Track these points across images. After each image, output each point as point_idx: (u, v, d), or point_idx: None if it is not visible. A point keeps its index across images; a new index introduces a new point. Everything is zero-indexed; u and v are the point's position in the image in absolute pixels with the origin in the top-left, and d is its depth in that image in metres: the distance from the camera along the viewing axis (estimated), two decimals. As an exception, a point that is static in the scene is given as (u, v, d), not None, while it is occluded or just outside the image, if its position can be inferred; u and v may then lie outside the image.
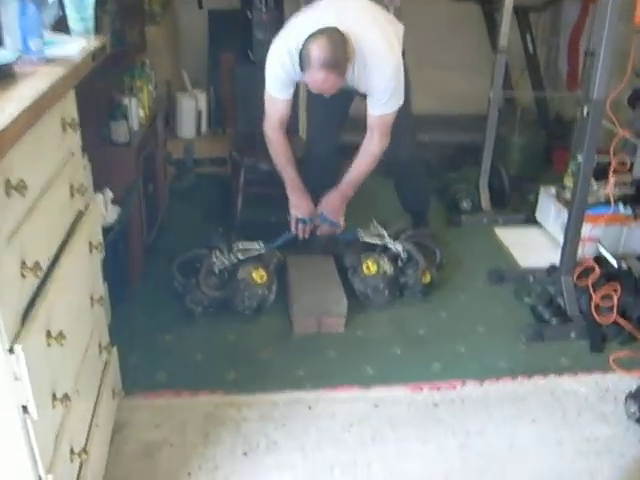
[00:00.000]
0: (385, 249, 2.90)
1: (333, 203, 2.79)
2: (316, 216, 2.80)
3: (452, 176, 3.94)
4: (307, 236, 2.83)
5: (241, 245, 2.79)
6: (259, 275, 2.64)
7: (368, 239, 2.91)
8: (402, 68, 2.60)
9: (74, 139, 1.73)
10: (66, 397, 1.47)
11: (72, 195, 1.67)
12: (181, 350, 2.49)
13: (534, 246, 3.34)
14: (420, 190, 3.26)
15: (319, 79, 2.40)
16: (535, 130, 4.30)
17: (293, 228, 2.83)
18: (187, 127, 4.16)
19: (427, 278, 2.81)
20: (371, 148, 2.74)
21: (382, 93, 2.59)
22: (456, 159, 4.36)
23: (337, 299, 2.61)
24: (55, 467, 1.41)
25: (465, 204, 3.66)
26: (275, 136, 2.76)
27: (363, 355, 2.49)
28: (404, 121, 2.74)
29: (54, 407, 1.42)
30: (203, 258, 2.72)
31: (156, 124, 3.18)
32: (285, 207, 2.89)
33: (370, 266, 2.73)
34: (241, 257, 2.72)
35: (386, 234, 2.90)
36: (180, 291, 2.72)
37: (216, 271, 2.69)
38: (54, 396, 1.42)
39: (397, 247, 2.85)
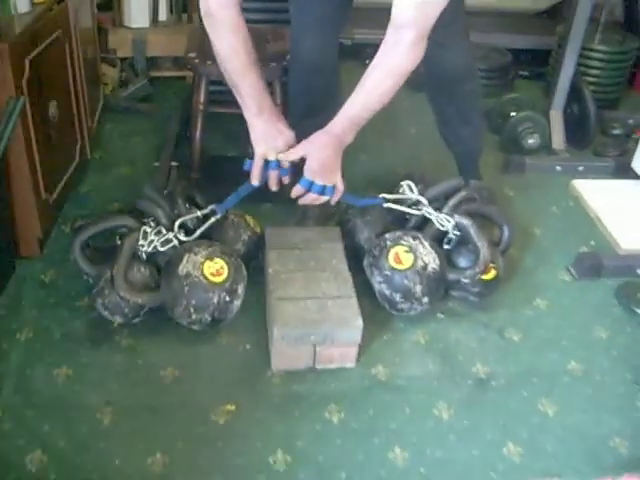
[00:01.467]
0: (424, 221, 1.82)
1: (322, 153, 1.58)
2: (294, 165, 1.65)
3: (510, 98, 2.78)
4: (285, 182, 1.68)
5: (184, 212, 1.71)
6: (214, 268, 1.57)
7: (397, 206, 1.82)
8: None
9: None
10: None
11: None
12: (78, 401, 1.47)
13: (636, 213, 2.26)
14: (473, 119, 2.13)
15: None
16: (622, 36, 3.09)
17: (256, 176, 1.65)
18: (138, 13, 2.95)
19: (490, 274, 1.75)
20: (395, 59, 1.53)
21: None
22: (508, 71, 3.19)
23: (347, 316, 1.56)
24: None
25: (531, 141, 2.54)
26: (223, 16, 1.55)
27: (386, 420, 1.48)
28: (454, 13, 1.59)
29: None
30: (127, 233, 1.65)
31: (66, 3, 2.00)
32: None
33: (401, 256, 1.66)
34: (182, 237, 1.64)
35: (425, 201, 1.81)
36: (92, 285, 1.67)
37: (143, 257, 1.62)
38: None
39: (444, 221, 1.77)
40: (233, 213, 1.80)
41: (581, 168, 2.49)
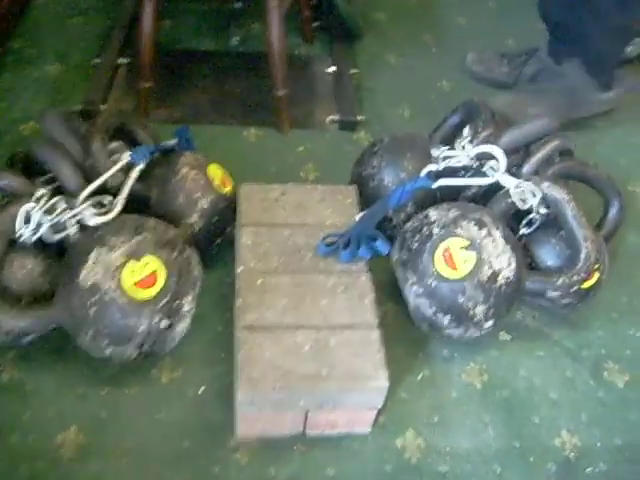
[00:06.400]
0: (491, 187, 1.15)
1: None
2: None
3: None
4: None
5: (104, 165, 1.04)
6: (140, 273, 0.93)
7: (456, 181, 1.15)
8: None
9: None
10: None
11: None
12: None
13: None
14: None
15: None
16: None
17: None
18: None
19: (591, 279, 1.11)
20: None
21: None
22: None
23: (364, 368, 0.93)
24: None
25: (628, 48, 1.80)
26: None
27: None
28: None
29: None
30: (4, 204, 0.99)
31: None
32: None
33: (456, 255, 1.01)
34: (92, 218, 0.97)
35: (499, 155, 1.12)
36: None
37: (26, 241, 0.98)
38: None
39: (527, 194, 1.09)
40: (187, 162, 1.13)
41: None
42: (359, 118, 1.52)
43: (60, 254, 1.02)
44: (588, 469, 1.00)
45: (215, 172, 1.15)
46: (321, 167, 1.42)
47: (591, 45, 1.49)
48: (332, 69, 1.68)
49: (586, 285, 1.10)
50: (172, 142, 1.18)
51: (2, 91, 1.55)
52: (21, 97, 1.55)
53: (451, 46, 1.82)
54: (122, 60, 1.65)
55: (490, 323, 1.04)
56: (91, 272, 0.92)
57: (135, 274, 0.93)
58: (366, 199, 1.19)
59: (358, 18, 1.76)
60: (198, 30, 1.78)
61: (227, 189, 1.15)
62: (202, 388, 1.03)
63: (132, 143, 1.18)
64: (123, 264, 0.92)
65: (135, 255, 0.93)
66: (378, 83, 1.68)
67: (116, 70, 1.63)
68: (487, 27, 1.88)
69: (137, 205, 1.07)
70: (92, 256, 0.92)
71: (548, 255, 1.11)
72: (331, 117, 1.53)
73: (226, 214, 1.14)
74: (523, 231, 1.13)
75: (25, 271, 0.98)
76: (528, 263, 1.11)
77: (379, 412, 1.00)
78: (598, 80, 1.55)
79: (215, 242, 1.15)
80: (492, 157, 1.11)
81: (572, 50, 1.52)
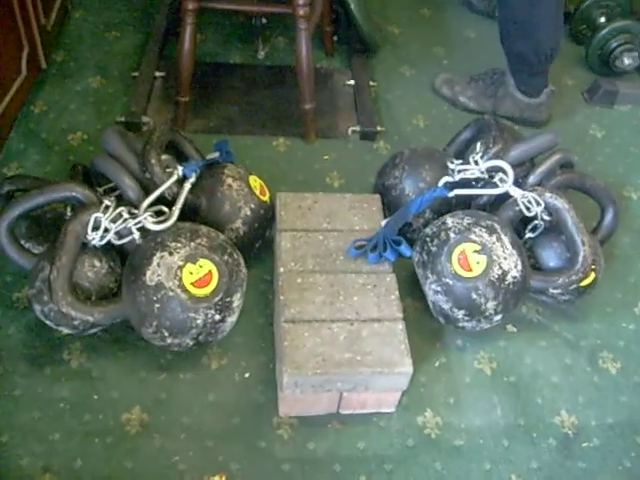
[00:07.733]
0: (499, 197, 1.29)
1: None
2: None
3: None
4: None
5: (161, 177, 1.18)
6: (198, 275, 1.08)
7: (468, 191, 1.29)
8: None
9: None
10: None
11: None
12: (4, 463, 1.04)
13: None
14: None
15: None
16: None
17: None
18: None
19: (588, 279, 1.25)
20: None
21: None
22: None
23: (391, 356, 1.08)
24: None
25: (628, 61, 1.93)
26: None
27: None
28: None
29: None
30: (74, 213, 1.13)
31: None
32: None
33: (470, 258, 1.16)
34: (152, 225, 1.12)
35: (508, 169, 1.26)
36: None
37: (95, 244, 1.12)
38: None
39: (532, 204, 1.24)
40: (231, 174, 1.27)
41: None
42: (378, 129, 1.66)
43: (121, 256, 1.17)
44: (584, 444, 1.14)
45: (255, 182, 1.30)
46: (345, 175, 1.56)
47: (511, 55, 1.66)
48: (351, 82, 1.81)
49: (584, 283, 1.25)
50: (215, 155, 1.32)
51: (50, 102, 1.69)
52: (67, 109, 1.69)
53: (461, 59, 1.95)
54: (159, 73, 1.79)
55: (499, 317, 1.19)
56: (155, 273, 1.06)
57: (193, 275, 1.07)
58: (389, 206, 1.34)
59: (376, 33, 1.89)
60: (227, 43, 1.92)
61: (266, 197, 1.30)
62: (247, 374, 1.18)
63: (178, 154, 1.32)
64: (182, 266, 1.07)
65: (192, 259, 1.08)
66: (394, 95, 1.81)
67: (153, 83, 1.77)
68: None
69: (187, 212, 1.21)
70: (155, 259, 1.07)
71: (550, 257, 1.26)
72: (353, 128, 1.66)
73: (265, 220, 1.29)
74: (528, 235, 1.27)
75: (94, 270, 1.12)
76: (532, 264, 1.25)
77: (402, 394, 1.14)
78: (521, 85, 1.69)
79: (256, 245, 1.30)
80: (501, 170, 1.25)
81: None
